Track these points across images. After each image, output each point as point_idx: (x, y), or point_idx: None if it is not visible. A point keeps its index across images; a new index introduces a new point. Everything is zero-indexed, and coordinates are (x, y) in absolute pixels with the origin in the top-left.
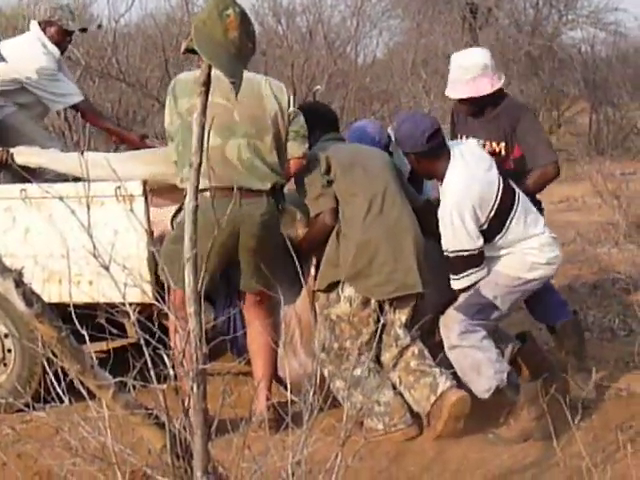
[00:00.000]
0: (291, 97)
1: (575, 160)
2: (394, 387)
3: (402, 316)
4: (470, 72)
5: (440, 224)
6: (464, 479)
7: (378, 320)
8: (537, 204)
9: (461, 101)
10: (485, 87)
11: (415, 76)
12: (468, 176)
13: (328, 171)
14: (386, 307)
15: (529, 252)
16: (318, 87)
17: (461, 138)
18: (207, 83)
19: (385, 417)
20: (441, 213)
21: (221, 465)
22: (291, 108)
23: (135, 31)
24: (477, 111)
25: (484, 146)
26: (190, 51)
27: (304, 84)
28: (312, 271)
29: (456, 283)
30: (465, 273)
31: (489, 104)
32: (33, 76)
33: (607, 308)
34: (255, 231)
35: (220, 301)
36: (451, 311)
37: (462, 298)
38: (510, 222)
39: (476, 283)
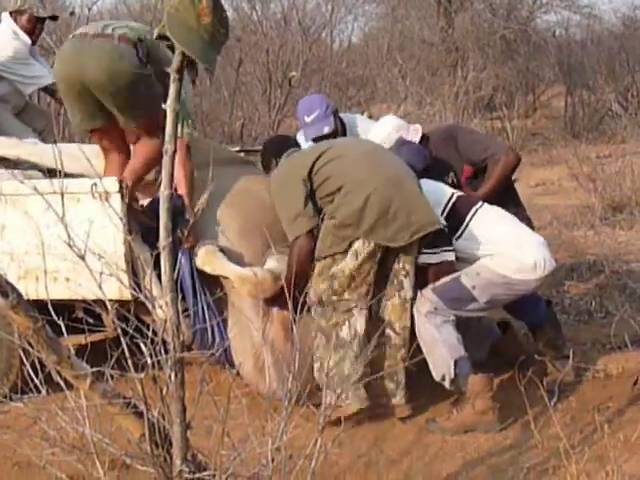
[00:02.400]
0: None
1: (551, 144)
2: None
3: (406, 265)
4: (393, 134)
5: None
6: (444, 462)
7: (377, 272)
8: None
9: None
10: (412, 137)
11: (391, 61)
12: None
13: (311, 171)
14: (391, 257)
15: (511, 252)
16: (293, 73)
17: None
18: (180, 70)
19: (337, 389)
20: None
21: (200, 453)
22: None
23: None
24: None
25: None
26: (162, 37)
27: (279, 70)
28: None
29: (429, 257)
30: (433, 250)
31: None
32: (5, 62)
33: (584, 290)
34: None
35: (198, 313)
36: (428, 290)
37: (442, 281)
38: (466, 226)
39: (446, 266)
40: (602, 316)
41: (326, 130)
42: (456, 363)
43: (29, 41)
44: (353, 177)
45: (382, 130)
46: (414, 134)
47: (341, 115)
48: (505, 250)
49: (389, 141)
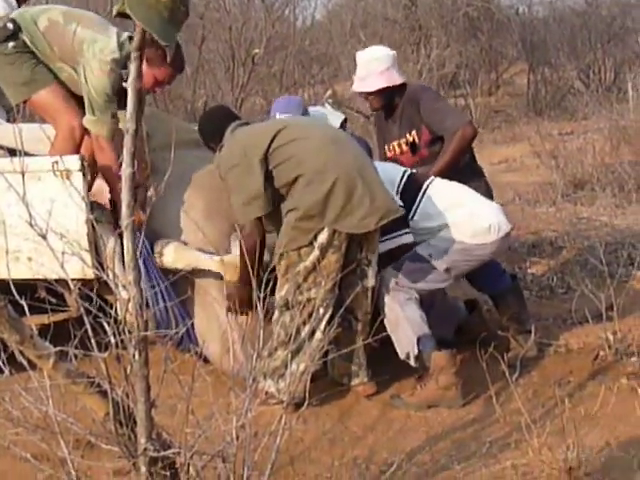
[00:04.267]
0: None
1: (514, 121)
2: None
3: (368, 254)
4: (383, 63)
5: None
6: (408, 437)
7: (343, 265)
8: (478, 172)
9: (373, 95)
10: (397, 77)
11: (354, 39)
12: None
13: (268, 150)
14: (353, 247)
15: (465, 219)
16: (257, 51)
17: (388, 147)
18: (141, 48)
19: (281, 383)
20: None
21: (165, 431)
22: None
23: None
24: (387, 105)
25: (399, 145)
26: (122, 15)
27: (242, 48)
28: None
29: (386, 244)
30: (390, 235)
31: (396, 97)
32: None
33: (545, 267)
34: None
35: (157, 296)
36: (389, 268)
37: (402, 258)
38: (419, 203)
39: (405, 248)
40: (563, 292)
41: None
42: (419, 340)
43: (14, 2)
44: (313, 166)
45: (379, 51)
46: (401, 74)
47: (310, 110)
48: (459, 217)
49: (379, 61)
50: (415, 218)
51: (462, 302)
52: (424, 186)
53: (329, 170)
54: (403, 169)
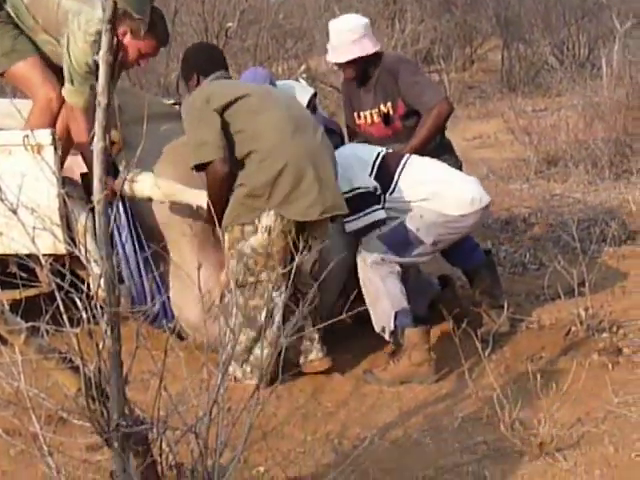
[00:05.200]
0: None
1: (488, 97)
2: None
3: (323, 237)
4: (355, 33)
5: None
6: (381, 413)
7: (294, 250)
8: (447, 146)
9: (346, 66)
10: (369, 47)
11: (329, 12)
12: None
13: (225, 109)
14: (306, 231)
15: (448, 192)
16: (230, 24)
17: (358, 114)
18: (113, 20)
19: (247, 367)
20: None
21: (137, 407)
22: None
23: None
24: (361, 75)
25: (370, 115)
26: None
27: (215, 21)
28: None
29: (357, 222)
30: (362, 213)
31: (371, 67)
32: None
33: (518, 243)
34: None
35: (133, 270)
36: (374, 239)
37: (387, 228)
38: (397, 180)
39: (374, 225)
40: (536, 268)
41: None
42: (396, 315)
43: None
44: (267, 144)
45: (351, 21)
46: (375, 43)
47: (279, 83)
48: (441, 190)
49: (351, 32)
50: (394, 194)
51: (435, 278)
52: (401, 165)
53: (281, 153)
54: (377, 150)
